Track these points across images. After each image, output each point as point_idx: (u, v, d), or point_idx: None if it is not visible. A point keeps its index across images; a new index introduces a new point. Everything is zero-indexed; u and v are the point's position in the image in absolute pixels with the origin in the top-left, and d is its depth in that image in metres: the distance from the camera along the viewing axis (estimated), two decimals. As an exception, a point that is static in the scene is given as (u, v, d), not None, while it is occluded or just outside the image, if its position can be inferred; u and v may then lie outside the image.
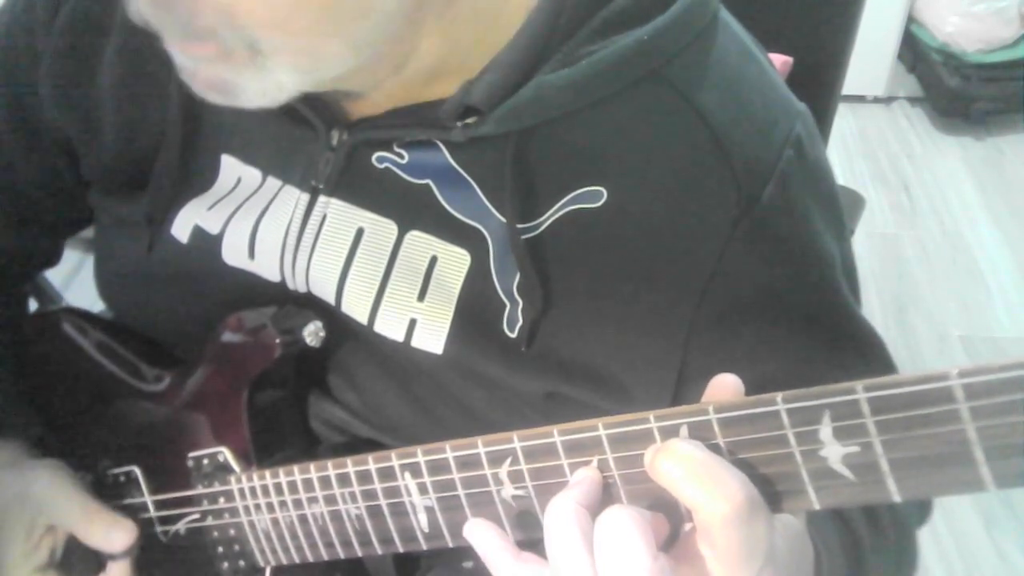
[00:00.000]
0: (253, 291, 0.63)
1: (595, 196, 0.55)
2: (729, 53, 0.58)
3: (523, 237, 0.55)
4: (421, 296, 0.58)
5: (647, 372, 0.57)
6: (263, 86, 0.52)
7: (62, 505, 0.64)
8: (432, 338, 0.58)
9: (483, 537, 0.46)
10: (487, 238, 0.57)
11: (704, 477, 0.37)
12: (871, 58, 2.86)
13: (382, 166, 0.59)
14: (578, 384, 0.58)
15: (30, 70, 0.68)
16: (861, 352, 0.59)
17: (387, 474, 0.51)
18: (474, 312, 0.57)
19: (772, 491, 0.39)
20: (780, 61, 1.13)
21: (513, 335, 0.57)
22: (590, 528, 0.40)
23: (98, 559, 0.65)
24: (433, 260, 0.58)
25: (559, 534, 0.40)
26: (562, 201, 0.56)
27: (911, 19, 2.87)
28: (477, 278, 0.57)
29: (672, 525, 0.42)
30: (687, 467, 0.38)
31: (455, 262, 0.58)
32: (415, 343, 0.58)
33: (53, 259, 0.82)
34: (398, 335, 0.58)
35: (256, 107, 0.53)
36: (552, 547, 0.41)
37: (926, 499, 0.63)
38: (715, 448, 0.40)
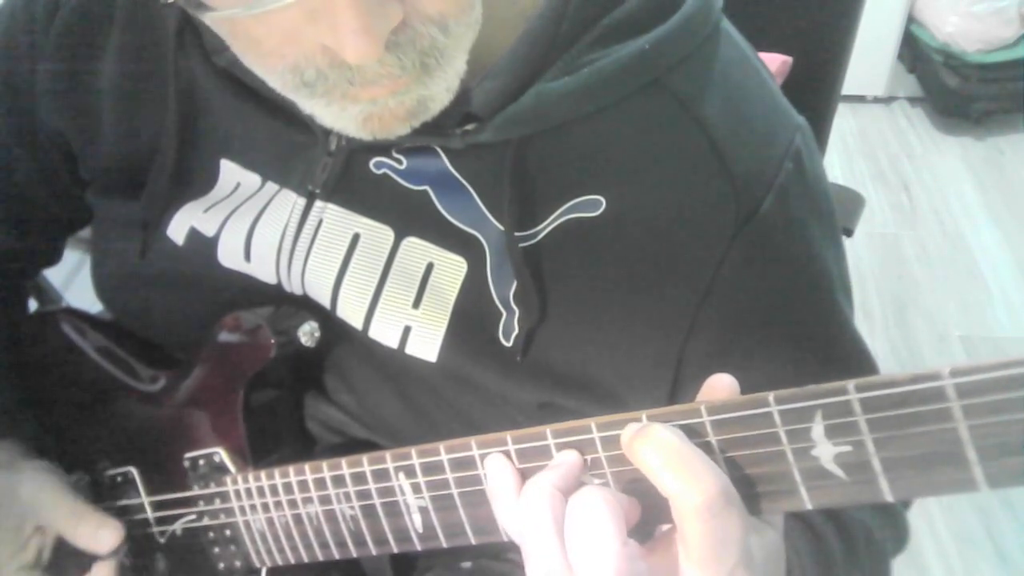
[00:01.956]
0: (249, 293, 0.63)
1: (594, 205, 0.55)
2: (731, 63, 0.57)
3: (521, 245, 0.55)
4: (416, 303, 0.58)
5: (642, 383, 0.57)
6: (447, 81, 0.50)
7: (50, 506, 0.64)
8: (426, 346, 0.57)
9: (496, 472, 0.45)
10: (484, 246, 0.57)
11: (679, 467, 0.38)
12: (871, 58, 2.86)
13: (380, 171, 0.59)
14: (573, 394, 0.58)
15: (29, 70, 0.68)
16: (851, 372, 0.59)
17: (381, 475, 0.51)
18: (469, 320, 0.57)
19: (764, 491, 0.39)
20: (780, 61, 1.13)
21: (508, 344, 0.57)
22: (563, 513, 0.40)
23: (87, 561, 0.65)
24: (429, 267, 0.58)
25: (531, 516, 0.40)
26: (560, 209, 0.55)
27: (911, 19, 2.86)
28: (473, 286, 0.57)
29: (662, 520, 0.42)
30: (663, 455, 0.38)
31: (451, 269, 0.57)
32: (409, 350, 0.58)
33: (53, 258, 0.82)
34: (392, 342, 0.58)
35: (441, 109, 0.51)
36: (524, 528, 0.41)
37: (912, 500, 0.63)
38: (707, 447, 0.40)
